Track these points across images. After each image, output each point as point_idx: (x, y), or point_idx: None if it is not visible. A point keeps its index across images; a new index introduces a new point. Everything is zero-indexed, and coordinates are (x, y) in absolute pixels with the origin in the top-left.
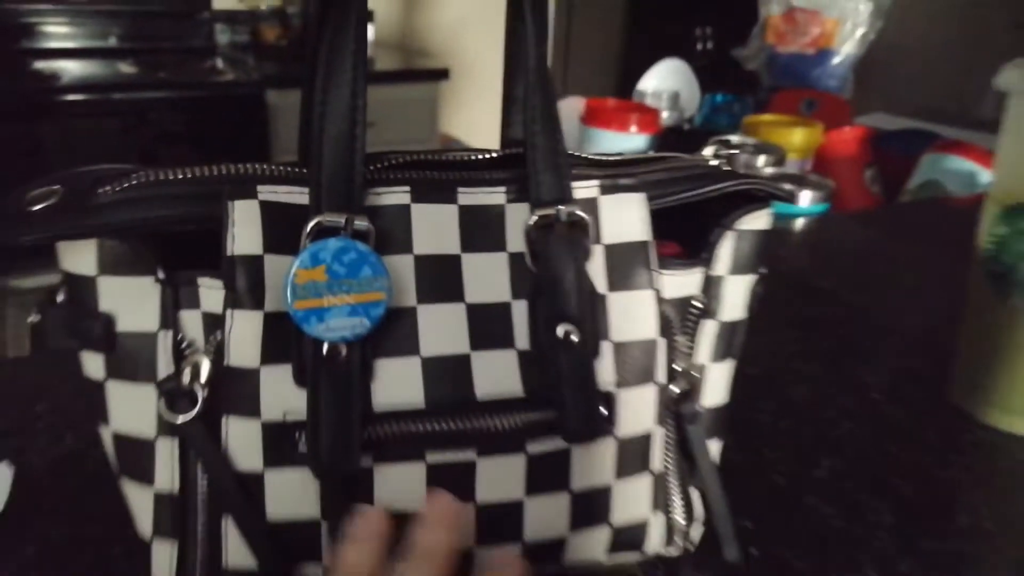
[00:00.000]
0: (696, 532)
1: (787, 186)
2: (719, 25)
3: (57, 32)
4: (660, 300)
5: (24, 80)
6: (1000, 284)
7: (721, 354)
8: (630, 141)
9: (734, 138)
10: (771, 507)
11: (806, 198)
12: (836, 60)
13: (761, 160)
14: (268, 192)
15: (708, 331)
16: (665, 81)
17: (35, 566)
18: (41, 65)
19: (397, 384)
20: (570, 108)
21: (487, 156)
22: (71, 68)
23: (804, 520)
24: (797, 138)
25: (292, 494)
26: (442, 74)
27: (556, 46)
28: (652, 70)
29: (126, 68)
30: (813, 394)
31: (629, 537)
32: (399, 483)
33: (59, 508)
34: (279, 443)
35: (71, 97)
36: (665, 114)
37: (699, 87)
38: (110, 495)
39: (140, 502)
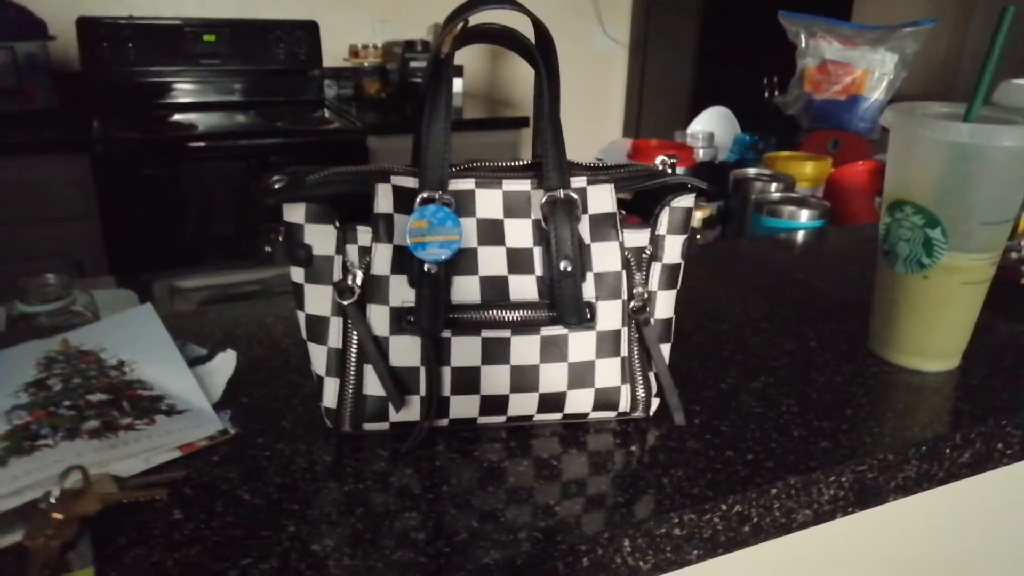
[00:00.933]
0: (654, 404)
1: (700, 182)
2: (784, 75)
3: (191, 89)
4: (623, 248)
5: (164, 130)
6: (888, 258)
7: (665, 285)
8: None
9: (752, 170)
10: (715, 400)
11: (804, 215)
12: (865, 105)
13: (773, 186)
14: (396, 179)
15: (655, 269)
16: (707, 124)
17: (250, 408)
18: (179, 117)
19: (465, 290)
20: (619, 147)
21: (521, 162)
22: (202, 119)
23: (737, 408)
24: (808, 170)
25: (404, 351)
26: (523, 122)
27: (630, 94)
28: (699, 116)
29: (248, 119)
30: (765, 341)
31: (606, 399)
32: (465, 348)
33: (258, 382)
34: (399, 320)
35: (203, 143)
36: (701, 151)
37: (739, 129)
38: (284, 376)
39: (318, 355)
